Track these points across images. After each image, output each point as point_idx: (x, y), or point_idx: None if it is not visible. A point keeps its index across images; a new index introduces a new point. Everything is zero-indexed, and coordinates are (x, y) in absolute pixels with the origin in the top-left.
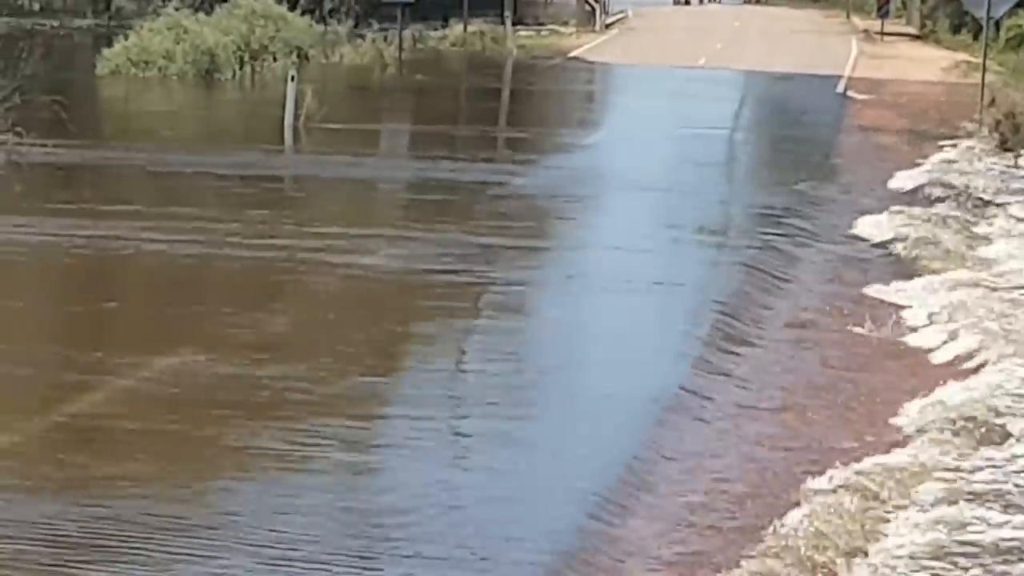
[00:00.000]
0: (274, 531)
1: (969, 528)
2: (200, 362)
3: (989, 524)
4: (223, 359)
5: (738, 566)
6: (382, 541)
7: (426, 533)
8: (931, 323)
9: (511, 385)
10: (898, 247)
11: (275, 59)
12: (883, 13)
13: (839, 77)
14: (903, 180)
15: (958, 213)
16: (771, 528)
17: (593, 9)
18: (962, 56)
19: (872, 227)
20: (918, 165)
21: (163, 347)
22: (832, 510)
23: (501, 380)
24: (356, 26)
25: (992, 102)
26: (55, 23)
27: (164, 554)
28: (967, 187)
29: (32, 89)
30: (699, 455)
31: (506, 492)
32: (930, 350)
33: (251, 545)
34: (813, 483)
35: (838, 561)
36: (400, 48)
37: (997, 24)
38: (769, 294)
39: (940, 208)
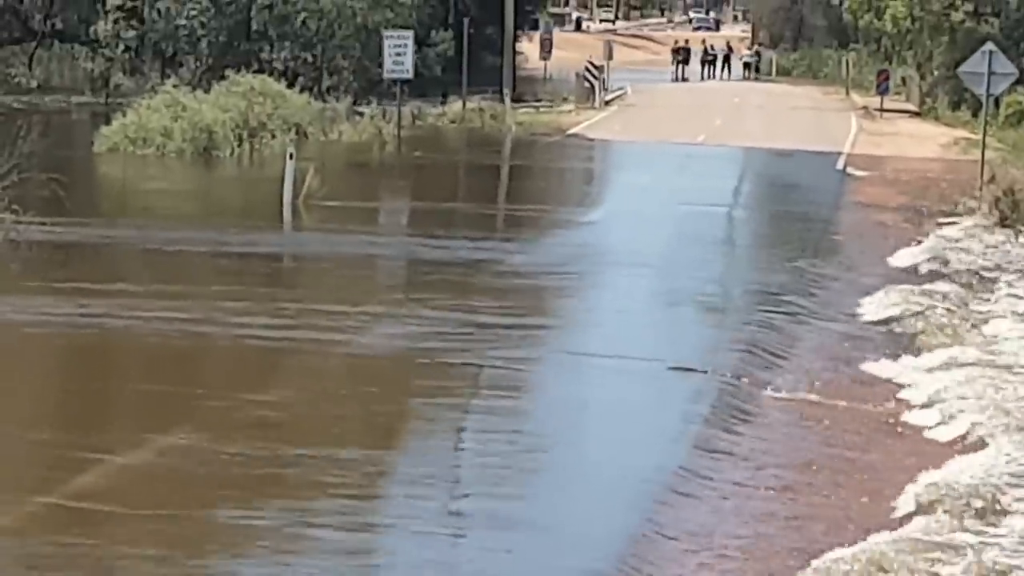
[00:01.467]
0: None
1: None
2: (197, 441)
3: None
4: (220, 438)
5: None
6: None
7: None
8: (931, 401)
9: (510, 464)
10: (898, 325)
11: (273, 136)
12: (882, 90)
13: (839, 154)
14: (903, 257)
15: (958, 290)
16: None
17: (592, 86)
18: (961, 133)
19: (872, 305)
20: (918, 242)
21: (156, 427)
22: None
23: (500, 459)
24: (355, 103)
25: (992, 179)
26: (53, 100)
27: None
28: (967, 264)
29: (30, 167)
30: (699, 534)
31: (505, 573)
32: (930, 428)
33: None
34: (816, 562)
35: None
36: (399, 125)
37: (996, 101)
38: (769, 372)
39: (940, 285)
